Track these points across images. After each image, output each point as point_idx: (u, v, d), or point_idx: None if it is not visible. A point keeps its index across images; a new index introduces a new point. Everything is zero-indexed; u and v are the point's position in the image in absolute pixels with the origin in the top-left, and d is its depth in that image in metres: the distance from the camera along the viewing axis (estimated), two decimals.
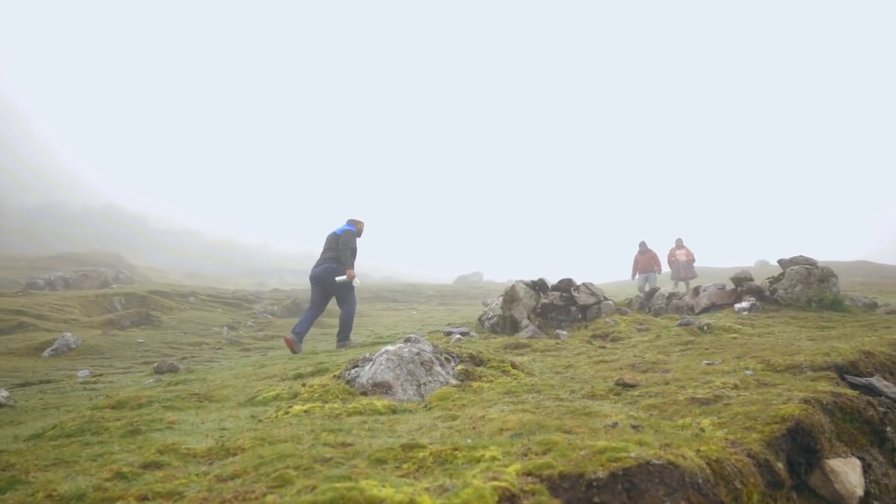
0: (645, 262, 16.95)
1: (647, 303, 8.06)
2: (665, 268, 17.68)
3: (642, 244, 17.19)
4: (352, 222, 8.46)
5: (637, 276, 17.15)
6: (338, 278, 7.87)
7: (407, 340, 3.64)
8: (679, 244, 18.09)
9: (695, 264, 17.95)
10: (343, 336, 7.74)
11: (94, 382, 5.47)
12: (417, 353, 3.35)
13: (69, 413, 3.38)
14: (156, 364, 6.01)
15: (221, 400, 3.34)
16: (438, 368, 3.34)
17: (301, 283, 45.84)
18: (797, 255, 7.27)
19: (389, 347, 3.43)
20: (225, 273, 55.13)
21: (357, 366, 3.51)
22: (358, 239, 8.33)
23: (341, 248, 7.98)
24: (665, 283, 19.97)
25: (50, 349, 8.40)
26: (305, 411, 2.71)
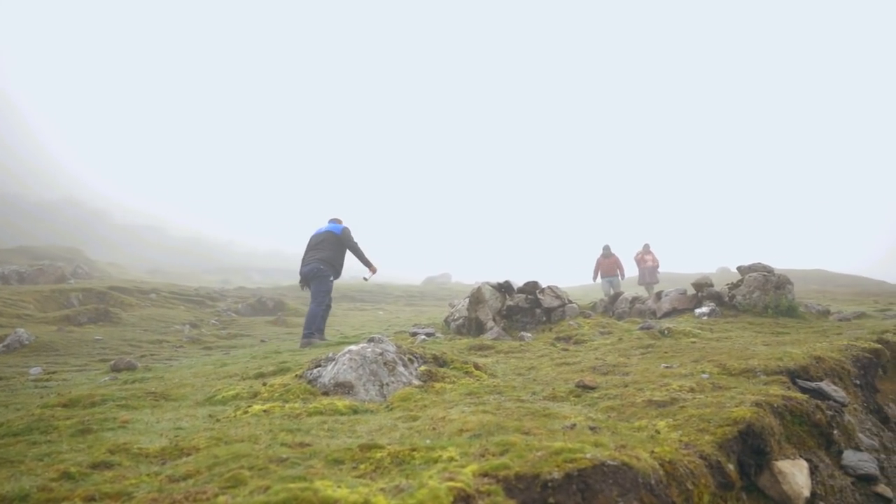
0: (608, 265, 16.91)
1: (611, 306, 8.17)
2: (630, 272, 17.91)
3: (606, 248, 17.19)
4: (337, 221, 8.53)
5: (600, 279, 17.16)
6: (366, 277, 8.41)
7: (370, 340, 3.62)
8: (647, 249, 18.40)
9: (659, 270, 18.33)
10: (308, 332, 7.70)
11: (47, 380, 5.30)
12: (381, 354, 3.34)
13: (18, 411, 3.26)
14: (113, 362, 5.85)
15: (179, 399, 3.27)
16: (401, 369, 3.33)
17: (267, 282, 45.27)
18: (755, 262, 7.47)
19: (353, 347, 3.41)
20: (189, 270, 54.07)
21: (319, 365, 3.48)
22: None
23: (352, 246, 8.16)
24: (628, 287, 20.21)
25: (1, 345, 8.11)
26: (265, 411, 2.67)
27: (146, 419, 2.60)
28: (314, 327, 7.69)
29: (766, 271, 7.18)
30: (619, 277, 16.88)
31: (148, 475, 1.64)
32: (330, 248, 8.14)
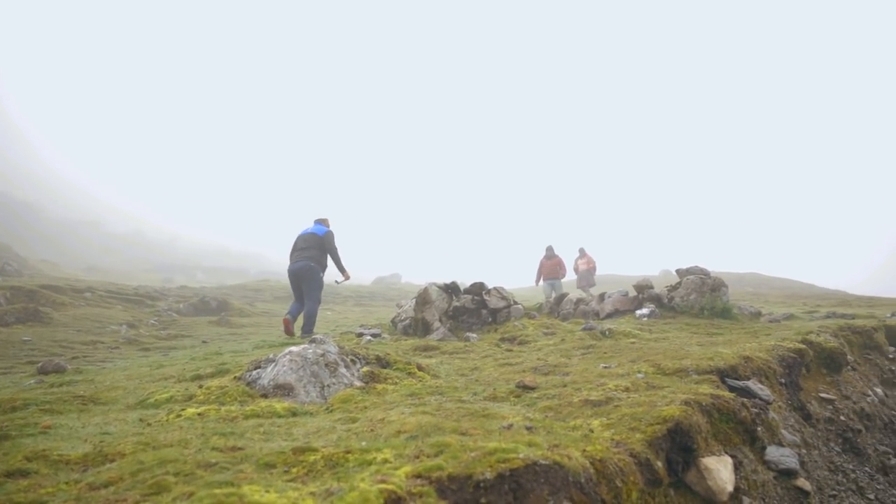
0: (550, 267, 16.46)
1: (556, 307, 8.32)
2: (571, 274, 18.10)
3: (549, 249, 16.77)
4: (322, 222, 9.05)
5: (542, 282, 16.72)
6: (337, 280, 8.84)
7: (313, 341, 3.57)
8: (581, 253, 18.52)
9: (597, 272, 18.62)
10: (307, 329, 8.16)
11: None
12: (322, 355, 3.30)
13: None
14: (40, 364, 5.57)
15: (109, 402, 3.14)
16: (343, 370, 3.30)
17: (212, 280, 44.04)
18: (693, 265, 7.74)
19: (293, 348, 3.35)
20: (129, 267, 52.06)
21: (259, 367, 3.41)
22: None
23: (331, 249, 8.60)
24: (571, 289, 20.54)
25: None
26: (199, 414, 2.59)
27: (71, 424, 2.48)
28: (312, 326, 8.15)
29: (702, 274, 7.46)
30: (561, 279, 16.56)
31: (66, 483, 1.57)
32: (315, 248, 8.61)
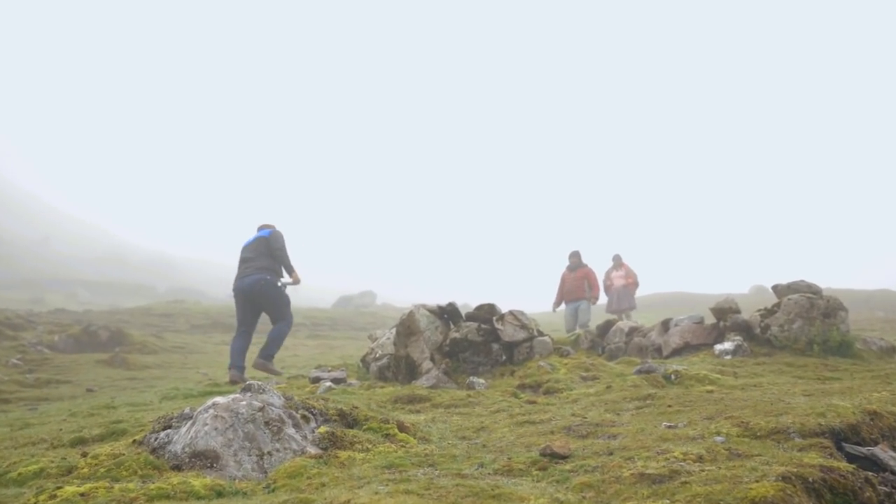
0: (573, 283, 15.99)
1: (600, 340, 8.34)
2: (603, 293, 17.83)
3: (573, 256, 16.43)
4: (266, 227, 9.75)
5: (563, 305, 16.33)
6: (282, 280, 9.33)
7: (246, 390, 3.59)
8: (616, 263, 18.42)
9: (660, 291, 18.69)
10: (268, 353, 8.89)
11: None
12: (261, 409, 3.31)
13: None
14: None
15: None
16: (292, 431, 3.31)
17: (100, 301, 43.99)
18: (798, 279, 7.77)
19: (219, 400, 3.36)
20: None
21: (170, 426, 3.42)
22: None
23: (277, 248, 9.30)
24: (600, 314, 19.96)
25: None
26: (82, 495, 2.60)
27: None
28: (275, 349, 8.97)
29: (810, 293, 7.49)
30: (590, 302, 15.91)
31: None
32: (266, 255, 9.31)
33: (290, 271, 9.47)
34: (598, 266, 17.37)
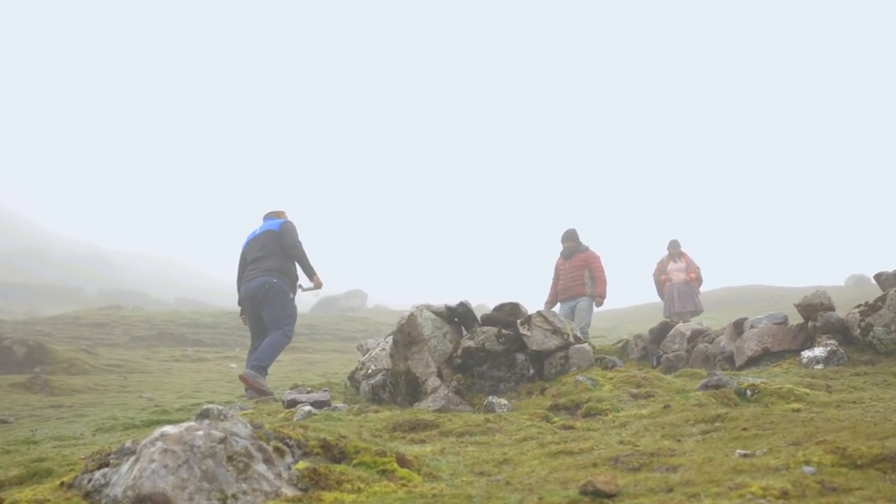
0: (569, 274, 15.15)
1: (655, 348, 8.32)
2: (639, 287, 17.51)
3: (568, 237, 15.47)
4: (273, 215, 10.49)
5: (559, 306, 15.38)
6: (304, 286, 10.21)
7: (203, 416, 3.59)
8: (674, 252, 17.92)
9: (726, 285, 18.38)
10: (259, 363, 9.27)
11: None
12: (222, 441, 3.31)
13: None
14: None
15: None
16: (262, 468, 3.31)
17: (14, 308, 44.14)
18: None
19: (169, 430, 3.36)
20: None
21: (107, 464, 3.42)
22: None
23: (291, 245, 9.96)
24: (630, 319, 19.30)
25: None
26: None
27: None
28: (268, 361, 9.35)
29: None
30: (590, 300, 14.92)
31: None
32: (276, 253, 9.99)
33: (311, 274, 10.10)
34: (646, 259, 17.13)
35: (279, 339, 9.51)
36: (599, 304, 14.97)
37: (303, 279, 10.39)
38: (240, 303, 10.17)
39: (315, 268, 10.16)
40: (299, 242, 10.05)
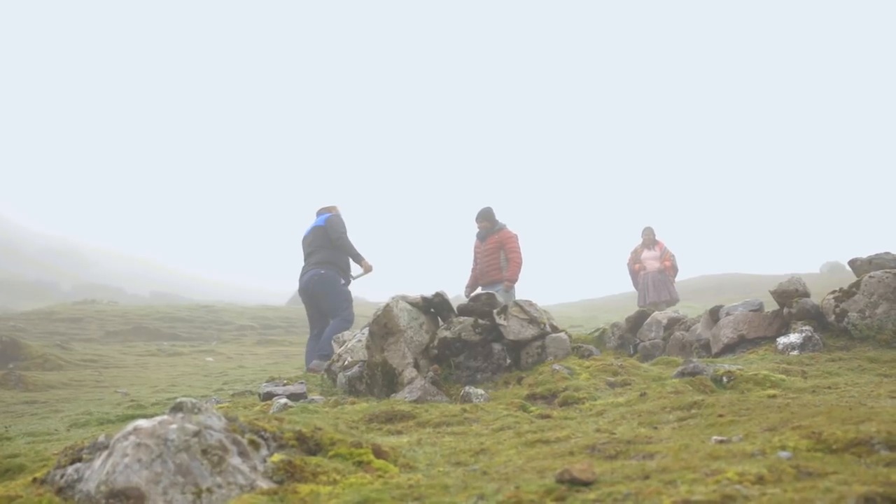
0: (485, 258, 14.24)
1: (631, 336, 8.35)
2: (616, 276, 17.20)
3: (482, 217, 14.47)
4: (325, 211, 11.47)
5: (479, 290, 13.06)
6: (354, 274, 11.23)
7: (176, 410, 3.57)
8: (648, 239, 17.56)
9: (705, 273, 18.34)
10: (325, 353, 9.94)
11: None
12: (196, 434, 3.29)
13: None
14: None
15: None
16: (237, 461, 3.30)
17: None
18: (882, 251, 7.77)
19: (143, 424, 3.34)
20: None
21: (80, 459, 3.40)
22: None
23: (337, 238, 10.87)
24: (596, 308, 19.01)
25: None
26: None
27: None
28: (331, 349, 9.89)
29: None
30: (507, 288, 13.83)
31: None
32: (324, 247, 11.00)
33: (359, 259, 11.14)
34: (623, 248, 16.89)
35: (339, 325, 10.36)
36: (507, 287, 13.78)
37: (354, 267, 11.37)
38: (300, 296, 11.24)
39: (361, 253, 11.15)
40: (343, 233, 10.94)
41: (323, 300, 10.77)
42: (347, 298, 10.83)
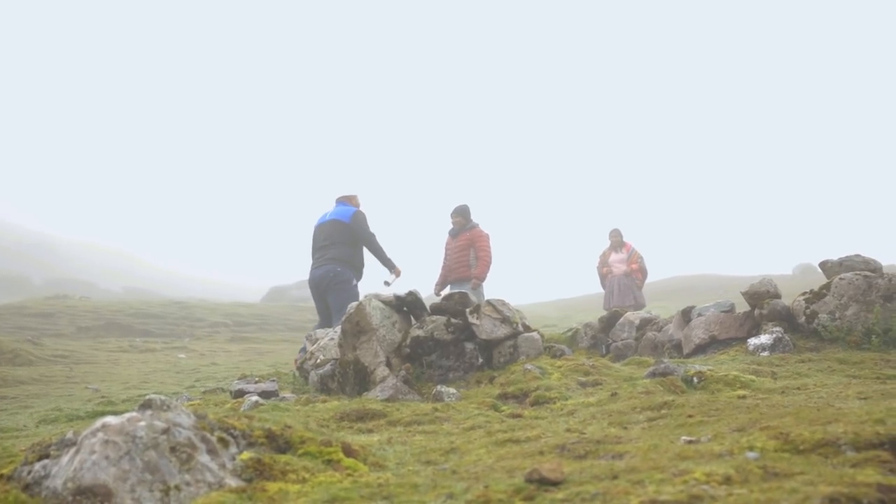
0: (455, 255, 14.17)
1: (604, 336, 8.38)
2: (591, 276, 16.94)
3: (457, 212, 14.40)
4: (345, 200, 11.20)
5: (448, 289, 14.25)
6: (387, 280, 11.26)
7: (146, 406, 3.55)
8: (616, 242, 17.11)
9: (677, 274, 18.28)
10: None
11: None
12: (165, 431, 3.28)
13: None
14: None
15: None
16: (206, 459, 3.29)
17: None
18: (851, 254, 7.83)
19: (111, 420, 3.32)
20: None
21: (47, 455, 3.37)
22: None
23: (365, 239, 10.80)
24: (570, 308, 19.07)
25: None
26: None
27: None
28: None
29: (868, 270, 7.55)
30: (476, 287, 13.78)
31: None
32: (342, 243, 10.76)
33: (391, 266, 11.11)
34: (597, 248, 16.70)
35: None
36: (475, 286, 13.71)
37: (385, 273, 11.39)
38: (309, 287, 11.01)
39: (392, 258, 11.13)
40: (373, 235, 10.82)
41: (333, 297, 10.53)
42: (357, 295, 10.43)
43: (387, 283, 11.16)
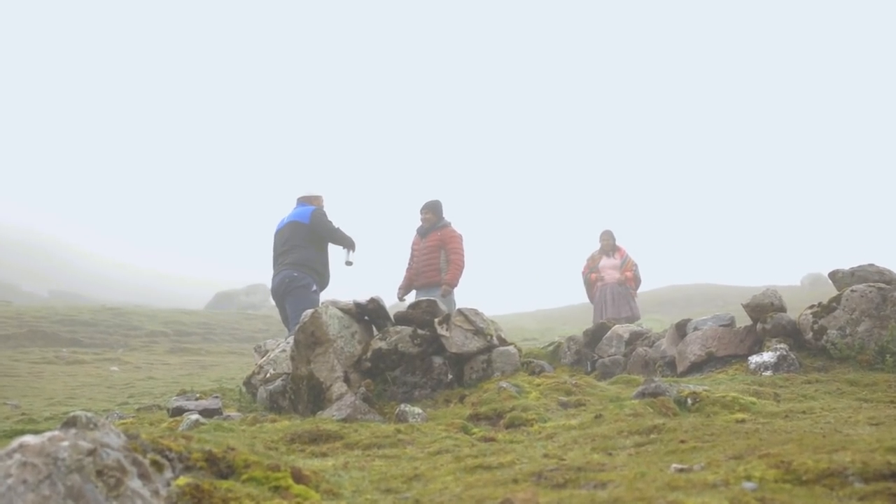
0: (423, 257, 13.87)
1: (590, 351, 8.38)
2: (575, 286, 16.68)
3: (428, 208, 14.06)
4: (307, 201, 11.47)
5: (413, 294, 13.93)
6: (348, 260, 11.40)
7: (70, 425, 3.52)
8: (608, 245, 16.81)
9: (674, 283, 18.10)
10: None
11: None
12: (91, 453, 3.24)
13: None
14: None
15: None
16: (137, 484, 3.25)
17: None
18: (866, 263, 7.85)
19: (30, 440, 3.28)
20: None
21: None
22: None
23: (330, 233, 11.10)
24: (553, 320, 18.85)
25: None
26: None
27: None
28: None
29: (883, 282, 7.55)
30: (447, 294, 13.30)
31: None
32: (302, 246, 10.96)
33: (344, 243, 11.39)
34: (582, 254, 16.51)
35: None
36: (445, 293, 13.18)
37: (347, 254, 11.59)
38: (272, 297, 11.34)
39: (353, 238, 11.42)
40: (336, 230, 11.10)
41: (290, 304, 10.70)
42: (316, 301, 10.59)
43: (348, 264, 11.32)
